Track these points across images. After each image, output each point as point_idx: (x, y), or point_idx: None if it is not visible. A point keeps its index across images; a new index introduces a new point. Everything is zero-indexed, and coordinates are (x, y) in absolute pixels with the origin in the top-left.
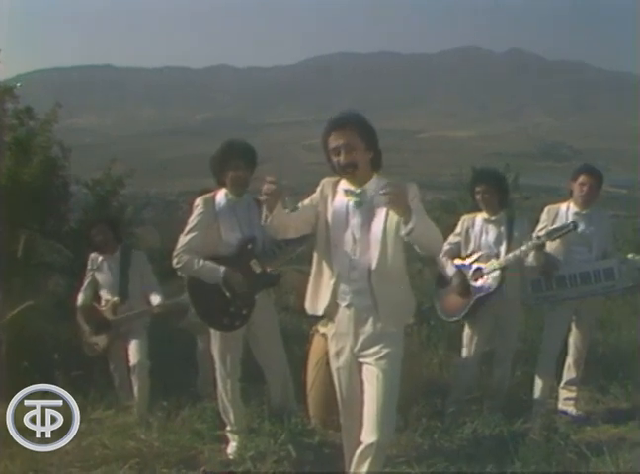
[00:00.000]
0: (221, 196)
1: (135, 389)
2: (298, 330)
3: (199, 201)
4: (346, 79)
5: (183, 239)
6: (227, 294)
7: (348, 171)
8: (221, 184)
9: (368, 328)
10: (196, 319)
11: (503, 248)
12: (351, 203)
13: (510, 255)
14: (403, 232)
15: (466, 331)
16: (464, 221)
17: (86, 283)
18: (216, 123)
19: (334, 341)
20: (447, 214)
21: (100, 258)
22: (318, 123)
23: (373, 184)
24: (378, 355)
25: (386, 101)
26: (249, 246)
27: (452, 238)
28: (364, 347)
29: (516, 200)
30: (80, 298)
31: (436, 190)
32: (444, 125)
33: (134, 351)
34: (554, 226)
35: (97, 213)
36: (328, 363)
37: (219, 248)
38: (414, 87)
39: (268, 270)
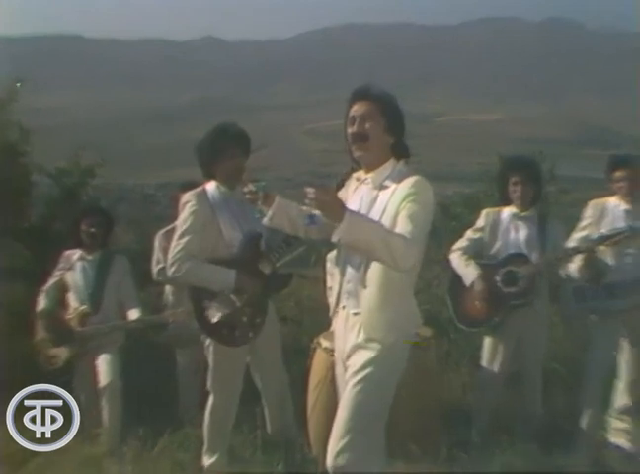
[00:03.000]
0: (213, 189)
1: (104, 414)
2: (298, 344)
3: (189, 197)
4: (352, 54)
5: (178, 243)
6: (237, 303)
7: (356, 142)
8: (209, 175)
9: (354, 334)
10: (177, 331)
11: (537, 249)
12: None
13: (550, 257)
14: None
15: (486, 347)
16: (487, 215)
17: (51, 283)
18: (203, 105)
19: (335, 344)
20: (469, 210)
21: (75, 256)
22: (320, 105)
23: (383, 170)
24: (355, 368)
25: (400, 79)
26: (255, 245)
27: (472, 233)
28: (349, 355)
29: (551, 194)
30: (42, 301)
31: (456, 182)
32: (467, 107)
33: (104, 369)
34: (608, 231)
35: (89, 204)
36: (331, 382)
37: (220, 250)
38: (431, 63)
39: (278, 270)
